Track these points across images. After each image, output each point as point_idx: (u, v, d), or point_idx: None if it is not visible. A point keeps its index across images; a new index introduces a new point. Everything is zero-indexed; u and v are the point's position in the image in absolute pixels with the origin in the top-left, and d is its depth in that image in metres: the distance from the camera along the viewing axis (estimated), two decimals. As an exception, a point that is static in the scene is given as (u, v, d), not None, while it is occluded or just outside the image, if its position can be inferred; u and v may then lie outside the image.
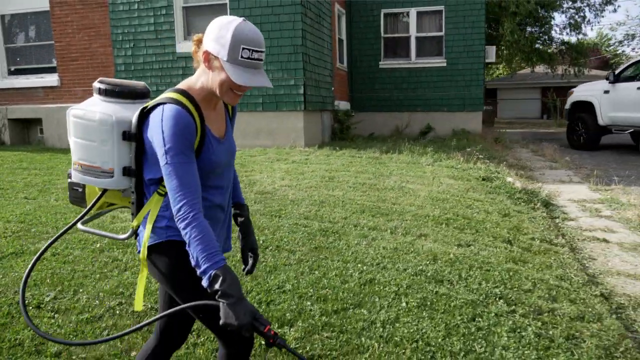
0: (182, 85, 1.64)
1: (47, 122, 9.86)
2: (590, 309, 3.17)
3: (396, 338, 2.60)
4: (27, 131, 10.39)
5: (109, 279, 3.21)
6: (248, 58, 1.51)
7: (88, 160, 1.67)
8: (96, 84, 1.70)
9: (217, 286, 1.42)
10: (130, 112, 1.64)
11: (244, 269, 1.84)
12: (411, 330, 2.67)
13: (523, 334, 2.72)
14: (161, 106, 1.54)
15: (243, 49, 1.49)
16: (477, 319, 2.82)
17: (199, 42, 1.61)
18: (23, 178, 6.31)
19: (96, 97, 1.70)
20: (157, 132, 1.52)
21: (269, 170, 6.50)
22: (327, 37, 10.07)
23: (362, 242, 3.85)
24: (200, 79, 1.61)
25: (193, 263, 1.47)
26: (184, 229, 1.48)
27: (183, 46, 8.93)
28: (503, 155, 9.57)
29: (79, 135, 1.68)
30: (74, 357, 2.40)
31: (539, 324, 2.86)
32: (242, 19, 1.53)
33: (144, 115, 1.59)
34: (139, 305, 1.69)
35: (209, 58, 1.55)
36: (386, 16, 12.03)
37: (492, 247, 3.99)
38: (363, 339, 2.58)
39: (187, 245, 1.48)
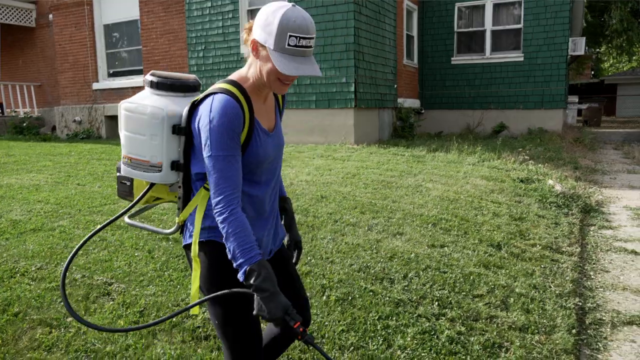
0: (234, 75, 1.60)
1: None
2: (545, 321, 2.96)
3: (294, 327, 2.69)
4: (122, 126, 11.80)
5: (88, 256, 3.69)
6: (295, 46, 1.44)
7: (137, 154, 1.65)
8: (148, 77, 1.68)
9: (252, 280, 1.43)
10: (180, 106, 1.62)
11: None
12: (313, 322, 2.74)
13: (434, 337, 2.65)
14: (212, 96, 1.52)
15: (290, 36, 1.43)
16: (392, 318, 2.79)
17: (250, 31, 1.55)
18: (91, 167, 7.27)
19: (147, 90, 1.67)
20: (205, 122, 1.49)
21: (302, 166, 6.72)
22: (390, 34, 9.99)
23: (328, 236, 3.92)
24: (251, 69, 1.57)
25: (230, 256, 1.48)
26: (221, 222, 1.48)
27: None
28: (575, 157, 8.75)
29: (129, 129, 1.66)
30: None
31: (463, 329, 2.75)
32: (291, 4, 1.47)
33: (194, 107, 1.56)
34: (195, 309, 1.66)
35: (256, 47, 1.51)
36: (460, 10, 11.56)
37: (469, 250, 3.82)
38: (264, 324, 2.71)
39: (224, 239, 1.49)
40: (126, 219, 1.84)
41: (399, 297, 3.01)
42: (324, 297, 2.99)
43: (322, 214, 4.48)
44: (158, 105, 1.61)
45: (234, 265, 1.48)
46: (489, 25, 11.22)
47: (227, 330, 1.62)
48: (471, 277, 3.37)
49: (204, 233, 1.61)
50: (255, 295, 1.46)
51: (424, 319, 2.81)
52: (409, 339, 2.61)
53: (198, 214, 1.61)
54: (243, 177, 1.58)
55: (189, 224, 1.66)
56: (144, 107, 1.62)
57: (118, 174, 1.77)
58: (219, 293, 1.55)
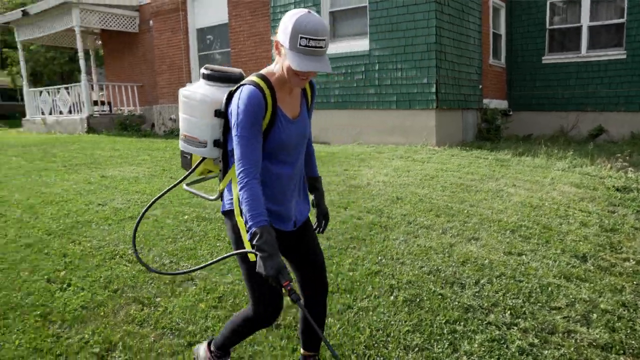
0: (264, 70, 1.89)
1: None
2: (633, 342, 2.78)
3: (361, 324, 2.76)
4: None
5: (176, 243, 4.01)
6: (306, 46, 1.69)
7: (190, 133, 2.01)
8: (202, 70, 2.03)
9: (255, 241, 1.73)
10: (223, 94, 1.92)
11: (316, 230, 2.20)
12: (379, 320, 2.79)
13: (503, 346, 2.60)
14: (242, 87, 1.82)
15: (301, 37, 1.68)
16: (459, 323, 2.77)
17: (277, 34, 1.81)
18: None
19: (201, 81, 2.02)
20: (234, 108, 1.80)
21: (380, 167, 6.76)
22: (474, 33, 9.68)
23: (400, 237, 3.94)
24: (276, 65, 1.85)
25: (243, 220, 1.79)
26: (239, 191, 1.77)
27: (329, 48, 9.67)
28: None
29: (185, 112, 2.02)
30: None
31: (536, 341, 2.66)
32: (306, 11, 1.74)
33: (231, 96, 1.87)
34: (252, 255, 1.87)
35: (278, 46, 1.78)
36: (552, 5, 10.89)
37: (549, 260, 3.65)
38: (331, 318, 2.81)
39: (240, 204, 1.80)
40: (184, 185, 2.18)
41: (468, 303, 2.97)
42: (392, 297, 3.03)
43: (396, 215, 4.50)
44: (205, 94, 1.95)
45: (246, 227, 1.77)
46: (585, 21, 10.46)
47: (248, 283, 1.97)
48: (549, 288, 3.23)
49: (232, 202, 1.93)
50: (257, 256, 1.73)
51: (494, 327, 2.76)
52: (476, 345, 2.58)
53: (233, 184, 1.90)
54: (268, 157, 1.89)
55: (226, 192, 1.98)
56: (195, 94, 1.97)
57: (181, 148, 2.11)
58: (231, 253, 1.91)
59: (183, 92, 2.03)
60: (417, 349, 2.55)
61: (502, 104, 11.29)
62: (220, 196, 2.04)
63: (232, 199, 1.93)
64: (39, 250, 4.20)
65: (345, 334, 2.69)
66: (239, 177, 1.78)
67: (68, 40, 16.98)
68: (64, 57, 24.01)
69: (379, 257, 3.59)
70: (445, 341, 2.61)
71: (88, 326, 2.94)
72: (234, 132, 1.80)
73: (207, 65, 2.06)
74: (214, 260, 2.03)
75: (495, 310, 2.92)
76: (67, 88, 14.90)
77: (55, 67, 24.03)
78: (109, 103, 14.93)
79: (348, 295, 3.07)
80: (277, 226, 1.96)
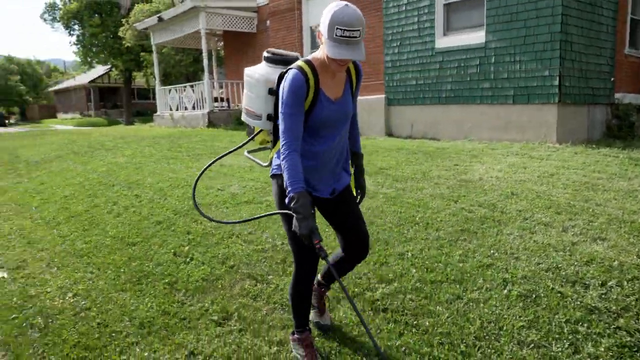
0: (310, 55, 2.14)
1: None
2: None
3: (471, 315, 2.66)
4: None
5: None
6: (341, 36, 1.89)
7: (250, 106, 2.34)
8: (264, 53, 2.35)
9: (292, 204, 2.00)
10: (277, 75, 2.19)
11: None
12: (490, 313, 2.66)
13: (636, 354, 2.35)
14: (289, 70, 2.07)
15: (337, 28, 1.89)
16: (582, 324, 2.55)
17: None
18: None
19: (263, 63, 2.35)
20: (281, 89, 2.07)
21: (494, 163, 6.44)
22: (608, 20, 8.78)
23: (515, 233, 3.72)
24: (320, 52, 2.09)
25: (284, 185, 2.05)
26: (282, 160, 2.04)
27: (442, 42, 9.40)
28: None
29: (246, 88, 2.36)
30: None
31: (675, 353, 2.37)
32: (344, 4, 1.94)
33: (281, 76, 2.13)
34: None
35: (319, 35, 2.02)
36: None
37: (694, 267, 3.21)
38: (439, 307, 2.75)
39: (282, 172, 2.06)
40: (245, 152, 2.55)
41: (593, 304, 2.73)
42: (505, 291, 2.89)
43: (511, 210, 4.26)
44: (262, 73, 2.25)
45: (286, 192, 2.02)
46: None
47: (291, 241, 2.25)
48: (694, 297, 2.85)
49: (278, 168, 2.23)
50: (294, 217, 1.99)
51: (624, 332, 2.50)
52: (602, 349, 2.36)
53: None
54: (310, 133, 2.14)
55: (274, 159, 2.28)
56: (254, 74, 2.28)
57: (242, 119, 2.43)
58: (273, 212, 2.28)
59: (246, 71, 2.34)
60: (532, 345, 2.41)
61: (638, 98, 10.13)
62: (270, 162, 2.35)
63: (278, 165, 2.23)
64: (167, 227, 4.65)
65: (455, 324, 2.61)
66: (282, 148, 2.04)
67: (194, 42, 18.48)
68: (189, 59, 26.13)
69: (491, 251, 3.43)
70: (565, 341, 2.42)
71: (208, 296, 3.19)
72: (279, 109, 2.07)
73: (268, 49, 2.35)
74: (260, 215, 2.46)
75: (626, 315, 2.64)
76: (192, 86, 16.23)
77: (182, 69, 26.24)
78: (227, 99, 15.98)
79: (457, 286, 2.98)
80: (315, 193, 2.24)
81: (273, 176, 2.30)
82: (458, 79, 9.04)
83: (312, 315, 2.64)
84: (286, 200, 2.04)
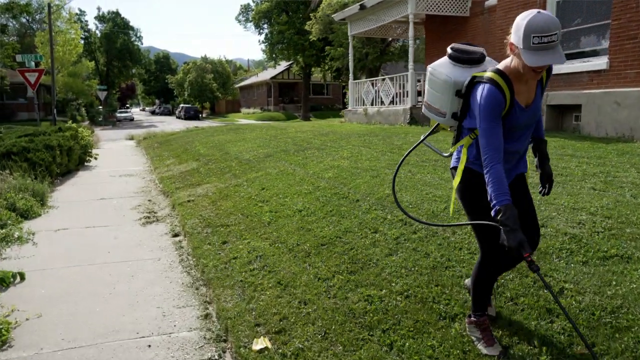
0: (500, 65, 2.18)
1: (586, 109, 9.29)
2: None
3: None
4: (562, 117, 10.20)
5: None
6: (539, 44, 1.92)
7: (432, 103, 2.44)
8: (448, 49, 2.37)
9: (499, 217, 2.04)
10: (464, 76, 2.28)
11: (540, 191, 2.49)
12: None
13: None
14: (482, 85, 2.15)
15: (533, 37, 1.92)
16: None
17: (509, 36, 2.10)
18: (576, 166, 5.91)
19: (446, 59, 2.37)
20: (477, 103, 2.16)
21: None
22: None
23: None
24: (513, 62, 2.11)
25: (488, 198, 2.11)
26: (485, 173, 2.13)
27: None
28: None
29: (430, 86, 2.43)
30: None
31: None
32: (537, 11, 1.96)
33: (473, 82, 2.22)
34: (451, 209, 2.74)
35: (512, 47, 2.06)
36: None
37: None
38: None
39: (486, 184, 2.12)
40: (425, 141, 2.68)
41: None
42: None
43: None
44: (448, 74, 2.32)
45: (491, 204, 2.09)
46: None
47: (479, 238, 2.47)
48: None
49: (467, 163, 2.40)
50: (502, 229, 2.04)
51: None
52: None
53: (464, 149, 2.37)
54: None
55: (455, 154, 2.48)
56: (440, 73, 2.36)
57: (423, 113, 2.65)
58: (477, 222, 2.34)
59: (429, 69, 2.39)
60: None
61: None
62: (450, 155, 2.53)
63: (458, 159, 2.43)
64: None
65: None
66: (485, 161, 2.12)
67: (391, 31, 17.03)
68: (376, 53, 24.99)
69: None
70: None
71: None
72: (478, 123, 2.16)
73: (453, 45, 2.39)
74: (459, 223, 3.04)
75: None
76: (391, 79, 14.77)
77: (368, 63, 25.23)
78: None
79: None
80: None
81: (454, 168, 2.48)
82: None
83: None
84: (492, 213, 2.06)
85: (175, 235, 5.65)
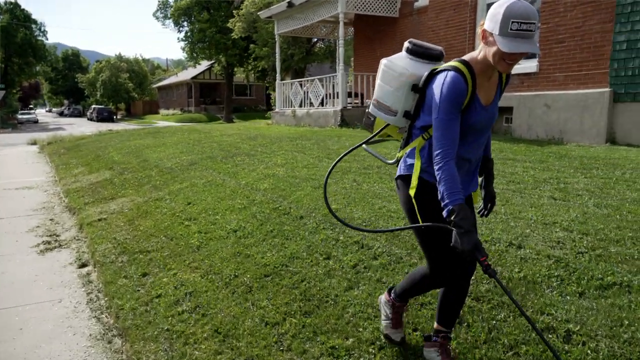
0: (466, 57, 2.00)
1: (517, 111, 9.34)
2: None
3: None
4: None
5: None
6: (517, 30, 1.78)
7: (383, 100, 2.23)
8: (405, 44, 2.20)
9: (452, 218, 1.85)
10: (422, 71, 2.11)
11: (480, 213, 2.27)
12: None
13: None
14: (445, 72, 1.96)
15: (512, 22, 1.77)
16: None
17: (482, 25, 1.89)
18: (523, 171, 5.70)
19: (404, 54, 2.20)
20: (437, 91, 1.96)
21: None
22: None
23: None
24: (480, 53, 1.94)
25: (439, 197, 1.91)
26: (437, 170, 1.93)
27: None
28: None
29: (382, 80, 2.22)
30: None
31: None
32: None
33: (432, 75, 2.04)
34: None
35: (485, 35, 1.87)
36: None
37: None
38: None
39: (437, 182, 1.93)
40: (364, 146, 2.44)
41: None
42: None
43: None
44: (406, 67, 2.15)
45: (442, 204, 1.90)
46: None
47: (426, 251, 2.20)
48: None
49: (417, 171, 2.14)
50: (453, 231, 1.86)
51: None
52: None
53: (417, 154, 2.12)
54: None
55: (402, 162, 2.23)
56: (395, 66, 2.17)
57: (367, 109, 2.35)
58: (426, 224, 2.06)
59: (384, 61, 2.21)
60: None
61: None
62: (397, 161, 2.26)
63: (407, 166, 2.17)
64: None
65: None
66: (437, 157, 1.92)
67: (318, 31, 16.57)
68: (302, 53, 24.50)
69: None
70: None
71: None
72: (434, 114, 1.96)
73: (411, 39, 2.22)
74: (406, 226, 2.23)
75: None
76: (320, 79, 14.30)
77: (293, 63, 24.67)
78: (361, 94, 13.85)
79: None
80: None
81: (401, 177, 2.22)
82: None
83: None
84: (444, 213, 1.89)
85: (83, 265, 4.68)
